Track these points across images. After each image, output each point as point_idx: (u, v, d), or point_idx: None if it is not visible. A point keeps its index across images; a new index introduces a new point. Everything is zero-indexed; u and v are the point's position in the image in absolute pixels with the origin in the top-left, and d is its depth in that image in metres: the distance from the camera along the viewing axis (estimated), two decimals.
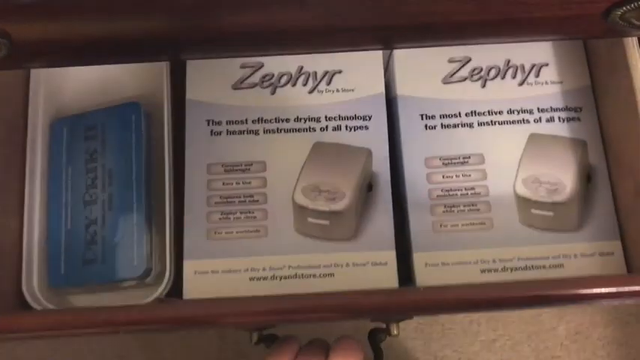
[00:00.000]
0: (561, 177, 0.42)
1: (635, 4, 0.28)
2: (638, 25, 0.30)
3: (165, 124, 0.43)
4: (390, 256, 0.41)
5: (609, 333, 0.52)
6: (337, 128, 0.44)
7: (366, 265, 0.41)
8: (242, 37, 0.33)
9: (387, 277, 0.40)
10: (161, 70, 0.45)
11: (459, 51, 0.45)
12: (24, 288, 0.42)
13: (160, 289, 0.41)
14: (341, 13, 0.30)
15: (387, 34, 0.34)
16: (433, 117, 0.44)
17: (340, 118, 0.44)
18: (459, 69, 0.45)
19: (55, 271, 0.43)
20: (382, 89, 0.44)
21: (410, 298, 0.34)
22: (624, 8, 0.28)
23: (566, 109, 0.44)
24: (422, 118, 0.44)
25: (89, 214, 0.43)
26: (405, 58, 0.45)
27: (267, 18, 0.31)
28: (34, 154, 0.45)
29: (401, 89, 0.44)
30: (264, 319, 0.34)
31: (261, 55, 0.45)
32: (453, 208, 0.42)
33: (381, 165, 0.43)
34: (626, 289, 0.36)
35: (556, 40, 0.44)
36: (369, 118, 0.44)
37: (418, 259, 0.41)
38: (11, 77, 0.45)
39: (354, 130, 0.44)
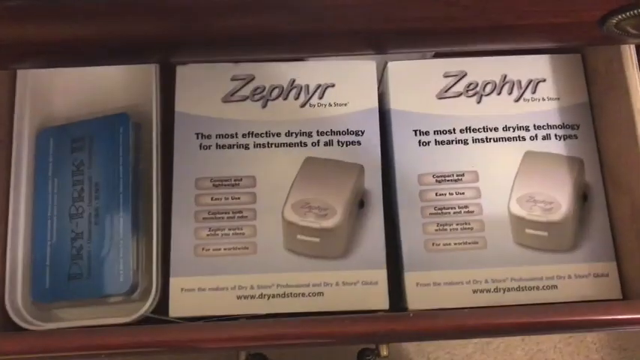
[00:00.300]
0: (557, 196, 0.42)
1: (631, 12, 0.27)
2: (635, 34, 0.30)
3: (154, 137, 0.43)
4: (381, 275, 0.40)
5: (603, 336, 0.52)
6: (329, 143, 0.43)
7: (356, 285, 0.40)
8: (232, 40, 0.33)
9: (377, 297, 0.40)
10: (151, 80, 0.44)
11: (454, 65, 0.44)
12: (7, 303, 0.41)
13: (146, 306, 0.40)
14: (331, 16, 0.29)
15: (378, 39, 0.33)
16: (427, 133, 0.43)
17: (332, 132, 0.43)
18: (455, 84, 0.44)
19: (39, 286, 0.42)
20: (376, 104, 0.44)
21: (399, 325, 0.33)
22: (620, 16, 0.27)
23: (563, 126, 0.43)
24: (415, 134, 0.43)
25: (75, 228, 0.42)
26: (399, 71, 0.44)
27: (259, 21, 0.30)
28: (20, 165, 0.44)
29: (394, 103, 0.44)
30: (248, 345, 0.33)
31: (253, 60, 0.44)
32: (445, 227, 0.41)
33: (374, 181, 0.42)
34: (626, 317, 0.35)
35: (552, 47, 0.43)
36: (362, 134, 0.43)
37: (409, 278, 0.40)
38: None
39: (347, 146, 0.43)
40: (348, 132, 0.43)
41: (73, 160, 0.44)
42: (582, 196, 0.42)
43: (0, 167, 0.43)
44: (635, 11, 0.27)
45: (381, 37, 0.32)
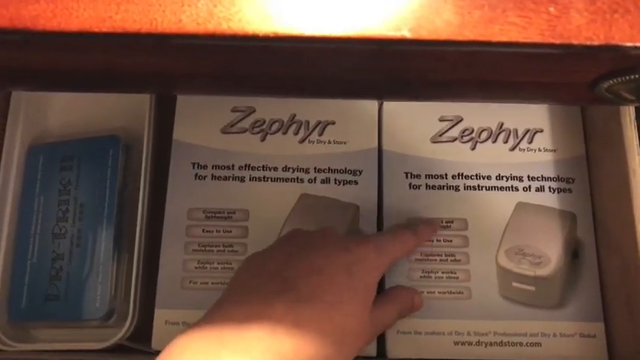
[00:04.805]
0: (546, 250, 0.41)
1: (624, 77, 0.26)
2: (630, 99, 0.29)
3: (143, 162, 0.42)
4: None
5: None
6: (326, 181, 0.42)
7: None
8: (233, 80, 0.32)
9: None
10: (146, 103, 0.43)
11: (450, 109, 0.44)
12: None
13: (121, 334, 0.39)
14: (313, 64, 0.29)
15: (362, 86, 0.33)
16: (418, 176, 0.43)
17: (330, 170, 0.42)
18: (450, 128, 0.43)
19: (15, 304, 0.41)
20: (375, 144, 0.43)
21: None
22: (611, 81, 0.27)
23: (558, 179, 0.43)
24: (407, 177, 0.43)
25: (57, 248, 0.42)
26: (394, 112, 0.44)
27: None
28: (7, 180, 0.43)
29: (387, 144, 0.43)
30: None
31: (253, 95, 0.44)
32: (430, 274, 0.41)
33: (369, 223, 0.41)
34: None
35: (543, 104, 0.43)
36: (360, 173, 0.42)
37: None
38: None
39: (344, 185, 0.42)
40: (346, 171, 0.42)
41: (60, 179, 0.43)
42: (573, 253, 0.42)
43: None
44: (628, 77, 0.26)
45: (363, 85, 0.31)
